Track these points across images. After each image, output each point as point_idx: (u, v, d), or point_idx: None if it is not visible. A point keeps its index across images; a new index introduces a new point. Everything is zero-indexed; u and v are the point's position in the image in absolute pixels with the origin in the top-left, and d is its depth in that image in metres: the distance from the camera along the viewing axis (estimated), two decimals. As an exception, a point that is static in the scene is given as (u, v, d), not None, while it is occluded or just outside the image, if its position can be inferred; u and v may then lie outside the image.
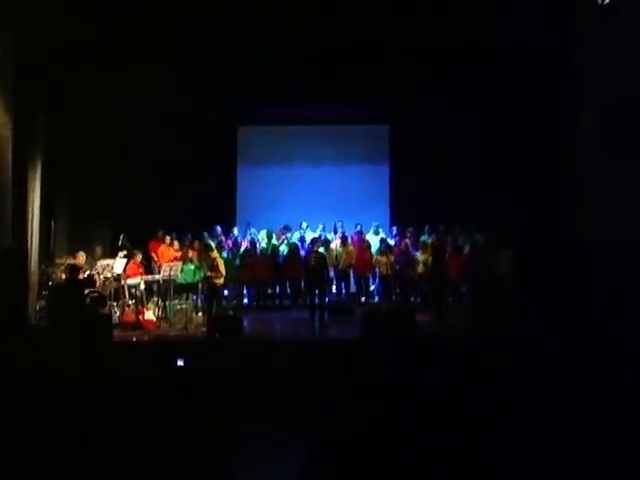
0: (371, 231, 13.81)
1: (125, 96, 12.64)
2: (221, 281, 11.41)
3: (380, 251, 12.75)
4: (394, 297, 12.88)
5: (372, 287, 13.34)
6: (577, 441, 5.30)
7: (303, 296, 12.94)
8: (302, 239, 13.45)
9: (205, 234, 13.39)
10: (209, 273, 11.19)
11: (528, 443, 5.25)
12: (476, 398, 6.08)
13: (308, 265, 11.43)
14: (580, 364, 7.25)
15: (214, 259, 11.32)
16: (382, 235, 13.50)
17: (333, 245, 13.15)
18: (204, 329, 10.19)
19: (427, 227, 13.54)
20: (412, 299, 12.81)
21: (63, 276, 10.71)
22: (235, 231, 13.76)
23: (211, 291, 11.43)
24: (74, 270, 9.79)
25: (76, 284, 9.67)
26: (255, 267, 12.59)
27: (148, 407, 6.03)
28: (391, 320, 9.48)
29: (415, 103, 13.70)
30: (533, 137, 12.34)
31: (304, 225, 13.91)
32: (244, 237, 13.48)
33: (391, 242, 13.11)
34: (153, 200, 13.64)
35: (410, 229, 13.44)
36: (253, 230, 13.67)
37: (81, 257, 11.24)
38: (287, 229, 13.81)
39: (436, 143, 14.01)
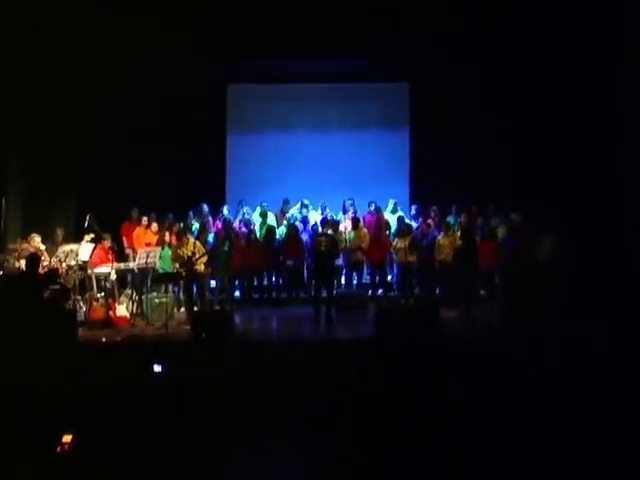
0: (388, 210, 13.78)
1: (93, 46, 12.59)
2: (202, 267, 11.44)
3: (398, 234, 12.72)
4: (414, 290, 12.87)
5: (389, 277, 13.34)
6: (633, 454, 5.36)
7: (305, 287, 12.96)
8: (304, 220, 13.46)
9: (190, 214, 13.42)
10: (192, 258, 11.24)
11: (576, 463, 5.30)
12: (510, 412, 6.10)
13: (316, 250, 11.39)
14: (634, 369, 7.26)
15: (193, 243, 11.48)
16: (400, 214, 13.47)
17: (342, 227, 13.12)
18: (187, 327, 10.21)
19: (454, 206, 13.52)
20: (435, 292, 12.79)
21: (17, 264, 10.70)
22: (225, 210, 13.76)
23: (191, 280, 11.46)
24: (34, 262, 9.71)
25: (36, 278, 9.62)
26: (247, 253, 12.58)
27: (119, 423, 6.08)
28: (410, 317, 9.49)
29: (440, 55, 13.57)
30: (582, 94, 12.20)
31: (306, 203, 13.88)
32: (235, 217, 13.47)
33: (411, 224, 13.08)
34: (126, 173, 13.61)
35: (434, 208, 13.42)
36: (246, 209, 13.66)
37: (35, 241, 11.09)
38: (286, 203, 13.84)
39: (465, 105, 13.90)
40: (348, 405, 6.85)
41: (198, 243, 11.64)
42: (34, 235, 11.25)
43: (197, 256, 11.36)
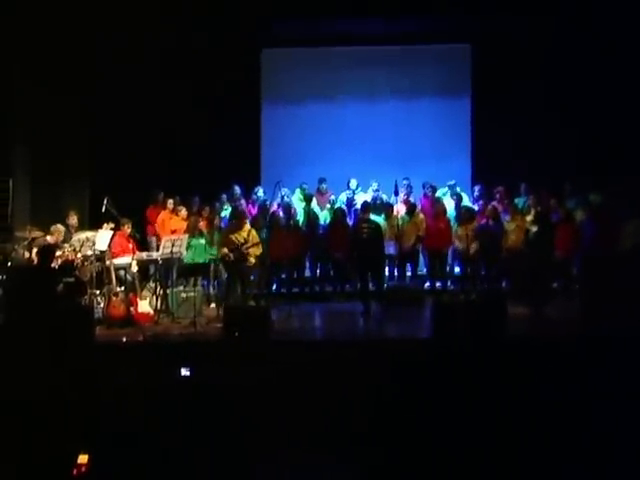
0: (445, 192, 13.70)
1: (109, 9, 12.70)
2: (252, 259, 11.54)
3: (458, 219, 12.66)
4: (477, 282, 12.80)
5: (448, 268, 13.32)
6: None
7: (351, 280, 12.95)
8: (350, 203, 13.43)
9: (223, 196, 13.53)
10: (245, 246, 11.35)
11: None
12: (587, 424, 6.05)
13: (358, 238, 11.39)
14: None
15: (248, 230, 11.56)
16: (460, 196, 13.40)
17: (395, 211, 13.08)
18: (219, 325, 10.29)
19: (523, 185, 13.37)
20: (502, 285, 12.69)
21: (26, 254, 10.86)
22: (260, 192, 13.84)
23: (235, 269, 11.58)
24: (48, 254, 9.88)
25: (50, 271, 9.76)
26: (286, 241, 12.59)
27: (143, 435, 6.17)
28: (473, 314, 9.41)
29: (507, 12, 13.34)
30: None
31: (353, 184, 13.89)
32: (272, 200, 13.52)
33: (473, 207, 13.00)
34: (147, 151, 13.76)
35: (500, 188, 13.31)
36: (285, 190, 13.64)
37: (58, 232, 11.31)
38: (321, 182, 13.86)
39: (535, 70, 13.76)
40: (401, 414, 6.85)
41: (254, 231, 11.67)
42: (58, 226, 11.41)
43: (249, 244, 11.42)
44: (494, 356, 8.12)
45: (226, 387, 7.42)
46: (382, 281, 11.55)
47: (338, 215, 12.89)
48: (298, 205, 13.59)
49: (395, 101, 15.07)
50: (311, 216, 13.14)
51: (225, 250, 11.46)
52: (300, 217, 13.29)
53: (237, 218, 11.87)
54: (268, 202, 13.38)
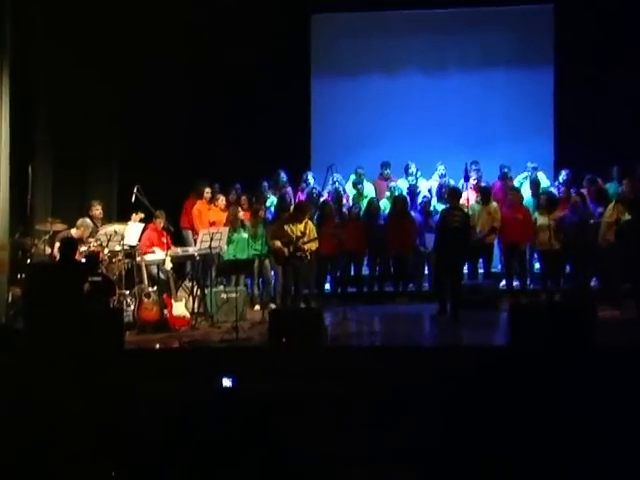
0: (525, 177, 13.59)
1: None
2: (308, 255, 11.65)
3: (539, 209, 12.56)
4: (561, 281, 12.67)
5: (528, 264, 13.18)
6: None
7: (414, 279, 13.01)
8: (412, 190, 13.42)
9: (265, 184, 13.59)
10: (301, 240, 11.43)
11: None
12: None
13: (450, 228, 11.31)
14: None
15: (305, 223, 11.63)
16: (543, 183, 13.27)
17: (464, 199, 12.99)
18: (264, 330, 10.33)
19: (615, 169, 13.24)
20: (591, 284, 12.55)
21: (48, 250, 11.01)
22: (310, 178, 13.86)
23: (294, 270, 11.63)
24: (70, 246, 9.99)
25: (74, 267, 9.88)
26: (342, 234, 12.58)
27: (178, 454, 6.21)
28: (556, 317, 9.33)
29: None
30: None
31: (413, 168, 13.84)
32: (324, 188, 13.52)
33: (556, 195, 12.88)
34: (182, 134, 13.87)
35: (588, 177, 13.13)
36: (338, 176, 13.67)
37: (85, 227, 11.45)
38: (386, 167, 13.84)
39: (633, 35, 13.61)
40: (474, 431, 6.81)
41: (312, 225, 11.76)
42: (86, 220, 11.56)
43: (306, 239, 11.49)
44: (581, 367, 8.01)
45: (273, 400, 7.42)
46: (460, 279, 11.50)
47: (399, 204, 12.87)
48: (351, 192, 13.60)
49: (465, 73, 15.05)
50: (372, 205, 13.11)
51: (278, 243, 11.51)
52: (355, 202, 13.34)
53: (300, 211, 11.88)
54: (319, 189, 13.38)
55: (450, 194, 11.99)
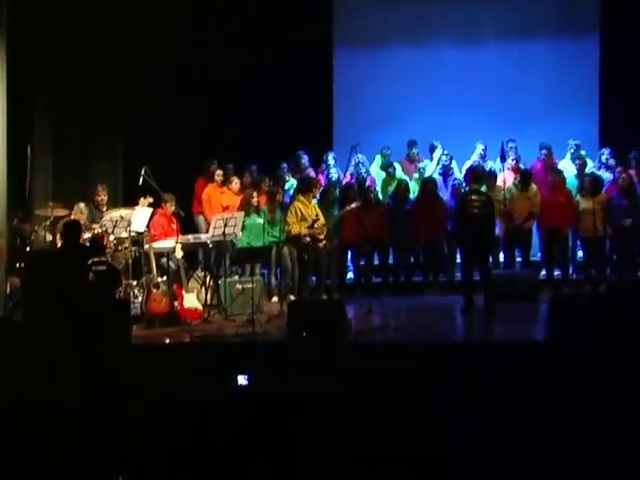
0: (567, 157, 13.53)
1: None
2: (324, 242, 11.73)
3: (583, 190, 12.51)
4: (607, 270, 12.63)
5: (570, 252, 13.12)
6: None
7: (446, 268, 12.98)
8: (444, 171, 13.39)
9: (284, 166, 13.59)
10: (309, 229, 11.45)
11: None
12: None
13: (467, 215, 11.24)
14: None
15: (313, 207, 11.72)
16: (587, 163, 13.21)
17: (500, 181, 12.96)
18: (283, 324, 10.33)
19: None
20: (639, 274, 12.49)
21: (49, 236, 11.05)
22: (330, 159, 13.82)
23: (316, 258, 11.70)
24: (73, 229, 10.01)
25: (78, 251, 9.89)
26: (365, 219, 12.58)
27: (190, 456, 6.24)
28: (600, 310, 9.28)
29: None
30: None
31: (439, 149, 13.75)
32: (346, 169, 13.49)
33: (603, 175, 12.85)
34: (195, 110, 13.88)
35: (635, 153, 13.08)
36: (362, 157, 13.62)
37: (80, 212, 11.50)
38: (412, 147, 13.79)
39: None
40: (510, 433, 6.81)
41: (318, 209, 11.84)
42: (80, 205, 11.59)
43: (317, 226, 11.55)
44: (629, 364, 7.97)
45: (291, 399, 7.43)
46: (489, 269, 11.44)
47: (427, 187, 12.84)
48: (378, 175, 13.58)
49: (502, 44, 14.94)
50: (401, 187, 13.07)
51: (304, 229, 11.53)
52: (380, 188, 13.35)
53: (307, 184, 11.92)
54: (341, 171, 13.38)
55: (469, 175, 11.81)
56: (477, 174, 11.83)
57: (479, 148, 13.61)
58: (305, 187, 12.14)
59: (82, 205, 11.68)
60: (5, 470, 6.28)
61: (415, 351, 9.20)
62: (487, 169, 13.03)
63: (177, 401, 7.43)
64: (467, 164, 13.33)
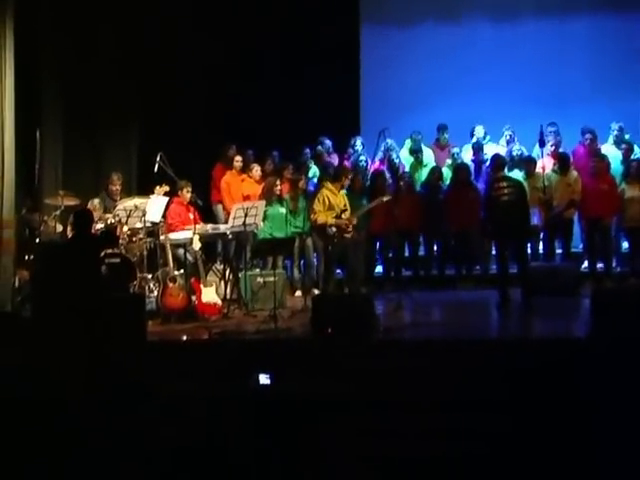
0: (610, 141, 13.44)
1: None
2: (350, 233, 11.73)
3: (628, 177, 12.47)
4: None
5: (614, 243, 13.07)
6: None
7: (481, 260, 12.94)
8: (477, 157, 13.34)
9: (307, 152, 13.59)
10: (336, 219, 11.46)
11: None
12: None
13: (496, 203, 11.19)
14: None
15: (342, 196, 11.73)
16: (633, 147, 13.14)
17: (539, 167, 12.88)
18: (307, 320, 10.31)
19: None
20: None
21: (59, 227, 11.09)
22: (358, 144, 13.83)
23: (344, 250, 11.70)
24: (84, 218, 10.03)
25: (89, 242, 9.90)
26: (395, 209, 12.54)
27: (208, 458, 6.23)
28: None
29: None
30: None
31: (480, 131, 13.76)
32: (374, 155, 13.46)
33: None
34: (214, 93, 13.89)
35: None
36: (391, 142, 13.58)
37: (94, 209, 11.42)
38: (442, 131, 13.77)
39: None
40: (549, 436, 6.77)
41: (346, 199, 11.89)
42: (94, 202, 11.62)
43: (344, 217, 11.59)
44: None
45: (315, 399, 7.41)
46: (526, 261, 11.37)
47: (461, 174, 12.82)
48: (407, 160, 13.54)
49: (541, 20, 14.89)
50: (435, 174, 13.07)
51: (331, 219, 11.54)
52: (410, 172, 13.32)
53: (338, 176, 11.94)
54: (367, 157, 13.33)
55: (492, 164, 11.74)
56: (500, 162, 11.67)
57: (507, 133, 13.62)
58: (335, 175, 12.12)
59: (96, 201, 11.71)
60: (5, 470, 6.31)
61: (447, 349, 9.19)
62: (525, 155, 13.01)
63: (194, 401, 7.41)
64: (495, 150, 13.26)
